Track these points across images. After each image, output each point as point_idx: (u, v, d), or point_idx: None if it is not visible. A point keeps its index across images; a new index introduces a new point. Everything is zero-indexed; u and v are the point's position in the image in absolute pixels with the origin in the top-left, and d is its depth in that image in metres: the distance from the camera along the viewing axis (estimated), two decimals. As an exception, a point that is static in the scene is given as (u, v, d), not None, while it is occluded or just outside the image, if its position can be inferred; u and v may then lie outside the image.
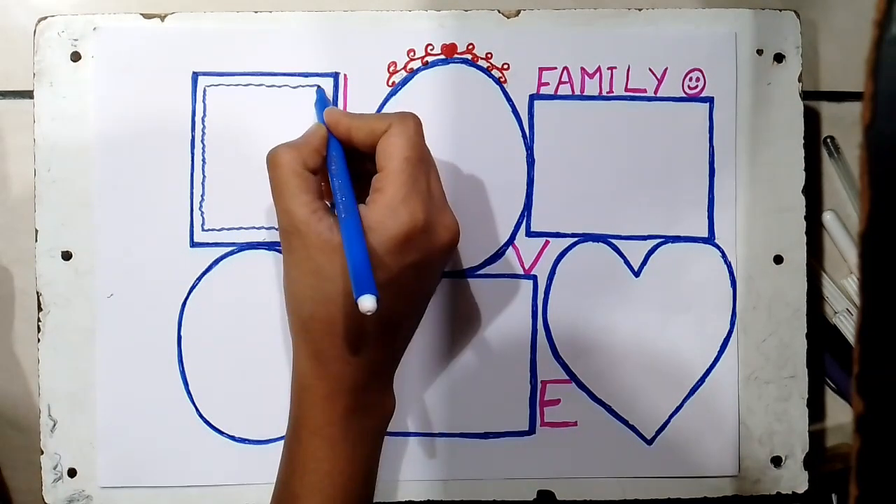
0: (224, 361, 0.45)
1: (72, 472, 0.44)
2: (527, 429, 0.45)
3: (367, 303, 0.33)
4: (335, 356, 0.37)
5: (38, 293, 0.44)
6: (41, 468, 0.44)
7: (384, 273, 0.36)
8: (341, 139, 0.40)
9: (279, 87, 0.45)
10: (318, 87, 0.45)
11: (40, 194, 0.44)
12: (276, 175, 0.37)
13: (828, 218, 0.49)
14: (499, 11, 0.45)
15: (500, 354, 0.45)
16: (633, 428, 0.46)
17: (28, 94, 0.45)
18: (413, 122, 0.38)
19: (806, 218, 0.46)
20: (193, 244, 0.45)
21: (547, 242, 0.45)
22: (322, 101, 0.44)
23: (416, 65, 0.45)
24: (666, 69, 0.45)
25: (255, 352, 0.45)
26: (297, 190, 0.37)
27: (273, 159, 0.38)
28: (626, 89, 0.45)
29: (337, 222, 0.36)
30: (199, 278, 0.45)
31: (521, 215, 0.45)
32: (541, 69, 0.45)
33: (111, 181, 0.45)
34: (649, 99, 0.45)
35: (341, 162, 0.39)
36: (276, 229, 0.45)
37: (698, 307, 0.46)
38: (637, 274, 0.46)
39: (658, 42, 0.45)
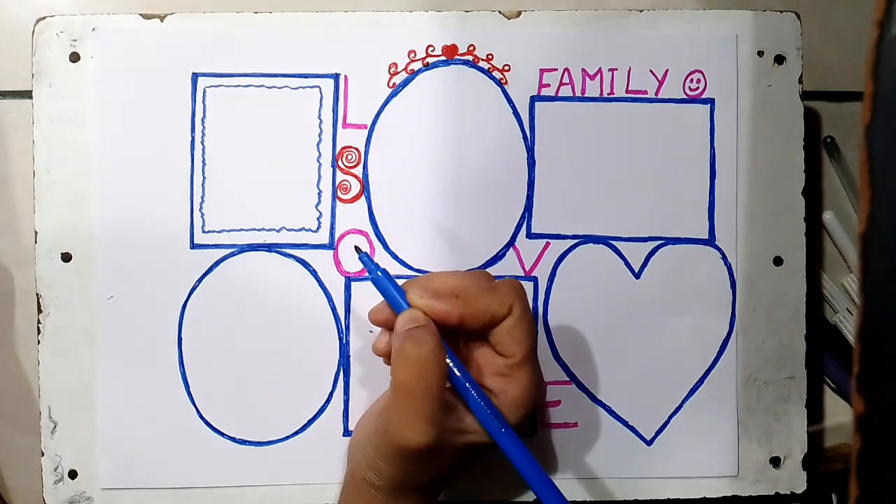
0: (225, 363, 0.45)
1: (72, 474, 0.44)
2: (527, 429, 0.45)
3: None
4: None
5: (37, 294, 0.44)
6: (42, 469, 0.44)
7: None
8: (449, 327, 0.37)
9: (279, 87, 0.45)
10: (382, 270, 0.39)
11: (40, 195, 0.44)
12: (423, 377, 0.35)
13: (828, 218, 0.49)
14: (500, 12, 0.45)
15: (500, 355, 0.45)
16: (633, 428, 0.46)
17: (27, 95, 0.45)
18: (524, 295, 0.38)
19: (806, 218, 0.46)
20: (194, 246, 0.45)
21: (547, 244, 0.45)
22: (386, 281, 0.39)
23: (416, 66, 0.45)
24: (667, 70, 0.45)
25: (255, 353, 0.45)
26: (440, 397, 0.36)
27: (425, 356, 0.35)
28: (627, 91, 0.45)
29: (457, 412, 0.38)
30: (200, 280, 0.45)
31: (522, 217, 0.45)
32: (542, 70, 0.45)
33: (111, 182, 0.45)
34: (650, 100, 0.45)
35: (458, 360, 0.38)
36: (276, 230, 0.45)
37: (698, 308, 0.46)
38: (637, 275, 0.46)
39: (659, 43, 0.45)
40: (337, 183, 0.45)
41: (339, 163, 0.45)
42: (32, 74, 0.44)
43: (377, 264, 0.40)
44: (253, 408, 0.45)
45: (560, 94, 0.45)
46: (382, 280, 0.39)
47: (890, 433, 0.25)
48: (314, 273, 0.45)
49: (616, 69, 0.45)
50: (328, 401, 0.45)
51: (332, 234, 0.45)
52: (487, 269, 0.45)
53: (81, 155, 0.45)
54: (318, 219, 0.45)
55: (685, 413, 0.46)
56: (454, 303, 0.37)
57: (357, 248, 0.41)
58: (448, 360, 0.37)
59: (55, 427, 0.44)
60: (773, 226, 0.46)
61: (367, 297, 0.45)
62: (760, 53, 0.46)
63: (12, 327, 0.48)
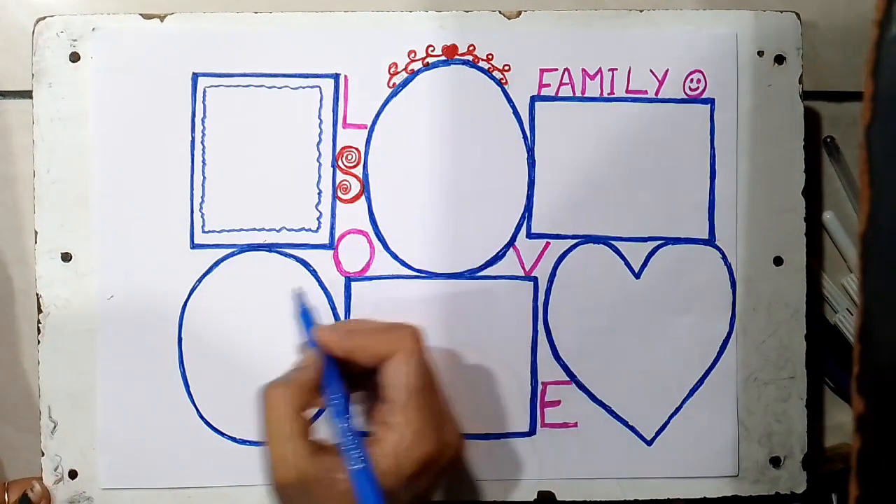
0: (225, 363, 0.45)
1: (73, 474, 0.44)
2: (527, 430, 0.45)
3: None
4: None
5: (37, 295, 0.44)
6: (42, 469, 0.44)
7: None
8: (338, 359, 0.38)
9: (279, 87, 0.45)
10: (299, 293, 0.43)
11: (40, 195, 0.44)
12: (270, 417, 0.36)
13: (828, 218, 0.49)
14: (500, 12, 0.45)
15: (500, 356, 0.45)
16: (633, 428, 0.46)
17: (27, 95, 0.45)
18: (418, 345, 0.38)
19: (806, 218, 0.46)
20: (194, 246, 0.45)
21: (547, 244, 0.45)
22: (306, 314, 0.42)
23: (416, 66, 0.45)
24: (667, 70, 0.45)
25: (255, 353, 0.45)
26: (293, 437, 0.36)
27: (267, 400, 0.37)
28: (627, 91, 0.45)
29: (336, 459, 0.36)
30: (200, 280, 0.45)
31: (522, 217, 0.45)
32: (542, 70, 0.45)
33: (111, 182, 0.45)
34: (650, 100, 0.45)
35: (341, 398, 0.38)
36: (276, 230, 0.45)
37: (698, 308, 0.46)
38: (637, 275, 0.46)
39: (659, 43, 0.45)
40: (337, 183, 0.45)
41: (339, 163, 0.45)
42: (32, 74, 0.44)
43: (306, 308, 0.42)
44: (253, 408, 0.45)
45: (560, 94, 0.45)
46: (302, 318, 0.42)
47: (890, 433, 0.25)
48: (314, 273, 0.45)
49: (616, 69, 0.45)
50: (328, 401, 0.45)
51: (332, 234, 0.45)
52: (487, 269, 0.45)
53: (81, 155, 0.45)
54: (318, 219, 0.45)
55: (685, 413, 0.46)
56: (344, 336, 0.39)
57: (298, 290, 0.43)
58: (332, 402, 0.38)
59: (55, 427, 0.44)
60: (773, 226, 0.46)
61: (368, 297, 0.45)
62: (760, 53, 0.46)
63: (12, 327, 0.48)
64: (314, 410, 0.38)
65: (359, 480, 0.35)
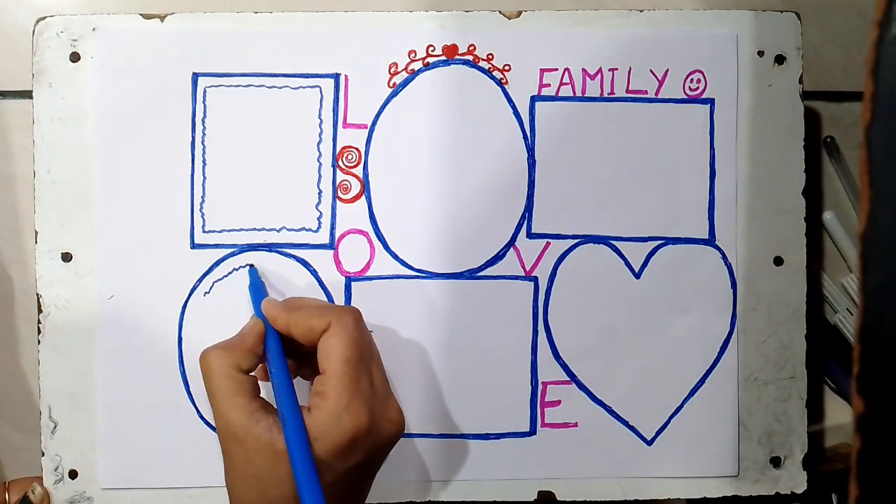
0: (225, 362, 0.45)
1: (73, 474, 0.44)
2: (527, 430, 0.45)
3: None
4: None
5: (37, 295, 0.44)
6: (42, 469, 0.44)
7: (329, 477, 0.36)
8: (279, 331, 0.40)
9: (280, 87, 0.45)
10: (251, 266, 0.44)
11: (40, 195, 0.44)
12: (208, 379, 0.38)
13: (828, 218, 0.49)
14: (500, 12, 0.45)
15: (500, 356, 0.45)
16: (633, 428, 0.46)
17: (28, 95, 0.45)
18: (352, 318, 0.39)
19: (806, 219, 0.46)
20: (194, 246, 0.45)
21: (548, 244, 0.46)
22: (256, 286, 0.43)
23: (417, 66, 0.45)
24: (667, 70, 0.45)
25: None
26: (229, 393, 0.37)
27: (204, 363, 0.38)
28: (628, 90, 0.45)
29: (277, 421, 0.37)
30: (200, 280, 0.45)
31: (522, 217, 0.45)
32: (542, 70, 0.45)
33: (111, 182, 0.45)
34: (650, 100, 0.45)
35: (281, 365, 0.38)
36: (276, 230, 0.45)
37: (698, 308, 0.46)
38: (638, 275, 0.46)
39: (659, 43, 0.45)
40: (337, 183, 0.45)
41: (340, 163, 0.45)
42: (32, 74, 0.44)
43: (257, 281, 0.43)
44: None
45: (560, 94, 0.45)
46: (254, 282, 0.43)
47: (890, 433, 0.25)
48: (314, 273, 0.45)
49: (616, 69, 0.45)
50: (328, 401, 0.45)
51: (332, 234, 0.45)
52: (487, 269, 0.45)
53: (81, 155, 0.45)
54: (318, 219, 0.45)
55: (685, 413, 0.46)
56: (284, 307, 0.40)
57: (250, 265, 0.44)
58: (271, 368, 0.39)
59: (55, 427, 0.44)
60: (773, 226, 0.46)
61: (368, 297, 0.45)
62: (760, 53, 0.46)
63: (12, 327, 0.48)
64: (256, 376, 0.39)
65: (291, 443, 0.36)
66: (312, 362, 0.40)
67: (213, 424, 0.44)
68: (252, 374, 0.38)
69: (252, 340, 0.39)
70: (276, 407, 0.38)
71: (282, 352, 0.39)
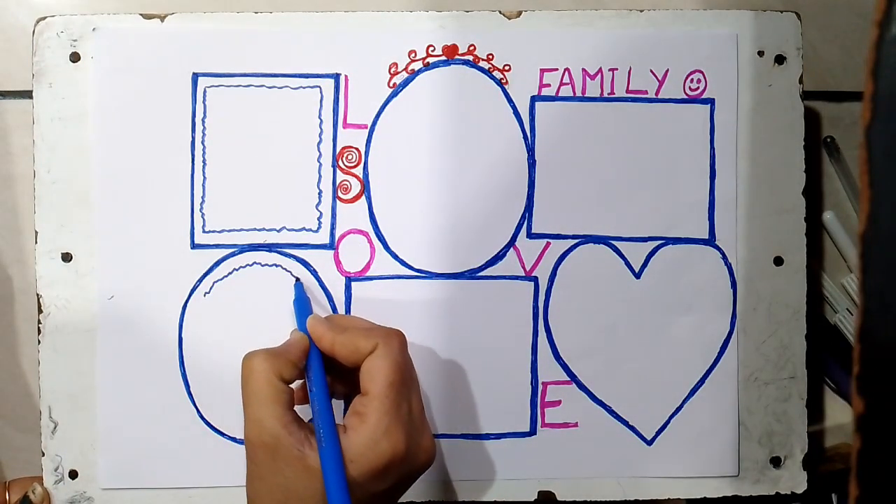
0: (225, 363, 0.45)
1: (73, 474, 0.44)
2: (528, 430, 0.45)
3: None
4: None
5: (38, 295, 0.44)
6: (42, 469, 0.44)
7: (359, 497, 0.36)
8: (323, 352, 0.39)
9: (280, 87, 0.45)
10: (297, 280, 0.44)
11: (40, 195, 0.44)
12: (248, 382, 0.37)
13: (828, 218, 0.49)
14: (500, 12, 0.45)
15: (501, 356, 0.45)
16: (633, 428, 0.46)
17: (28, 95, 0.45)
18: (398, 342, 0.39)
19: (806, 219, 0.46)
20: (194, 246, 0.45)
21: (548, 244, 0.46)
22: (301, 301, 0.43)
23: (417, 66, 0.45)
24: (667, 70, 0.45)
25: (255, 353, 0.45)
26: (267, 400, 0.37)
27: (247, 365, 0.38)
28: (628, 91, 0.45)
29: (309, 436, 0.37)
30: (200, 280, 0.45)
31: (522, 217, 0.45)
32: (542, 70, 0.45)
33: (111, 182, 0.45)
34: (650, 100, 0.45)
35: (322, 384, 0.38)
36: (277, 230, 0.45)
37: (699, 308, 0.46)
38: (638, 275, 0.46)
39: (659, 43, 0.45)
40: (337, 183, 0.45)
41: (340, 163, 0.45)
42: (32, 74, 0.44)
43: (307, 298, 0.43)
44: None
45: (560, 94, 0.45)
46: (300, 297, 0.43)
47: (890, 433, 0.25)
48: (314, 273, 0.45)
49: (616, 69, 0.45)
50: (328, 401, 0.45)
51: (332, 234, 0.45)
52: (487, 269, 0.45)
53: (81, 155, 0.45)
54: (318, 219, 0.45)
55: (685, 413, 0.46)
56: (331, 328, 0.40)
57: (297, 278, 0.44)
58: (312, 383, 0.38)
59: (55, 427, 0.44)
60: (773, 226, 0.46)
61: (368, 297, 0.45)
62: (760, 53, 0.46)
63: (12, 327, 0.48)
64: (296, 389, 0.39)
65: (326, 462, 0.35)
66: (348, 381, 0.40)
67: (216, 426, 0.45)
68: (291, 385, 0.38)
69: (296, 353, 0.39)
70: (307, 422, 0.37)
71: (323, 371, 0.39)
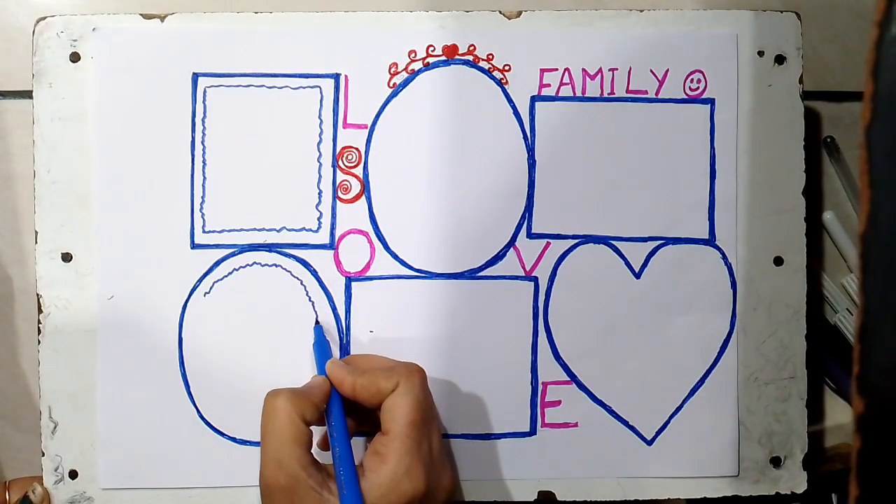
0: (225, 363, 0.45)
1: (73, 474, 0.44)
2: (528, 430, 0.45)
3: None
4: None
5: (38, 295, 0.44)
6: (42, 469, 0.44)
7: None
8: (344, 395, 0.40)
9: (280, 87, 0.45)
10: (317, 323, 0.44)
11: (40, 195, 0.44)
12: (271, 419, 0.37)
13: (828, 218, 0.49)
14: (500, 12, 0.45)
15: (501, 356, 0.45)
16: (633, 428, 0.46)
17: (28, 95, 0.45)
18: (419, 379, 0.39)
19: (806, 219, 0.46)
20: (194, 246, 0.45)
21: (548, 244, 0.46)
22: (322, 345, 0.43)
23: (417, 66, 0.45)
24: (667, 70, 0.45)
25: (256, 353, 0.45)
26: (289, 439, 0.37)
27: (271, 403, 0.38)
28: (628, 91, 0.45)
29: (328, 479, 0.37)
30: (200, 280, 0.45)
31: (522, 217, 0.45)
32: (542, 70, 0.45)
33: (111, 182, 0.45)
34: (650, 100, 0.45)
35: (343, 430, 0.39)
36: (277, 230, 0.45)
37: (698, 308, 0.46)
38: (638, 275, 0.46)
39: (659, 43, 0.45)
40: (337, 183, 0.45)
41: (340, 163, 0.45)
42: (33, 74, 0.44)
43: (327, 341, 0.44)
44: (253, 408, 0.44)
45: (560, 94, 0.45)
46: (319, 340, 0.43)
47: (890, 433, 0.25)
48: (314, 273, 0.45)
49: (616, 69, 0.45)
50: (328, 401, 0.45)
51: (332, 234, 0.45)
52: (487, 269, 0.45)
53: (81, 155, 0.45)
54: (318, 219, 0.45)
55: (685, 413, 0.46)
56: (350, 371, 0.40)
57: (317, 321, 0.44)
58: (332, 426, 0.39)
59: (55, 427, 0.44)
60: (773, 226, 0.46)
61: (368, 298, 0.45)
62: (760, 53, 0.46)
63: (12, 327, 0.48)
64: (316, 432, 0.39)
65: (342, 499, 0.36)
66: (368, 418, 0.40)
67: (216, 426, 0.45)
68: (311, 427, 0.38)
69: (319, 396, 0.39)
70: (324, 465, 0.38)
71: (344, 416, 0.39)
